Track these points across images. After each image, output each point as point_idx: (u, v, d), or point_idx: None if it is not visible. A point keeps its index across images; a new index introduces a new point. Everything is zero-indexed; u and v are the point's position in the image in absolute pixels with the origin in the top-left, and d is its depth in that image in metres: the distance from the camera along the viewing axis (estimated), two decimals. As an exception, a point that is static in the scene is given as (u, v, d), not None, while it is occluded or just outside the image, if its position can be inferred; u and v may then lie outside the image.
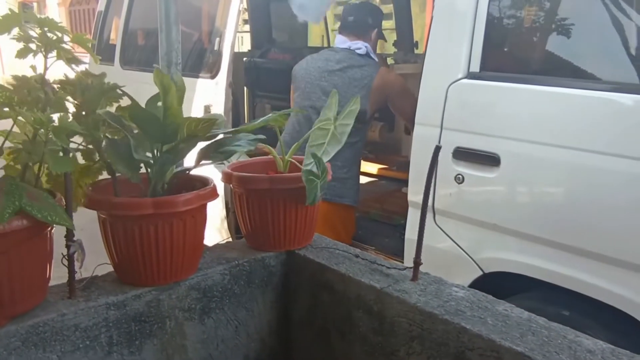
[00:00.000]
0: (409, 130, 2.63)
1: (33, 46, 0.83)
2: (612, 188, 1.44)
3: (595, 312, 1.52)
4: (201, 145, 1.03)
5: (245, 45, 5.65)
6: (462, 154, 1.73)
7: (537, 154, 1.57)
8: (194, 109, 2.79)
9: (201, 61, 3.04)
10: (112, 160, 0.90)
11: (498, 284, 1.71)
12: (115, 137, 0.97)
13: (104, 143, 0.93)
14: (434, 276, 1.02)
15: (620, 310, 1.46)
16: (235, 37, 2.72)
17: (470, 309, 0.90)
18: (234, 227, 2.71)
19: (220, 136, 1.02)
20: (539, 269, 1.61)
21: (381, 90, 2.31)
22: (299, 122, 2.35)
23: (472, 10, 1.73)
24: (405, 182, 2.83)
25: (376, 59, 2.43)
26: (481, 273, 1.74)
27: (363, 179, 3.11)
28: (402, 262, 2.02)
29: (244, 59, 3.83)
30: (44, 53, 0.84)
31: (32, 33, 0.83)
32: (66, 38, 0.84)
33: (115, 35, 3.83)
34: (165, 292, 0.98)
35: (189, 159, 1.07)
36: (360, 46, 2.35)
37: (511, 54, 1.84)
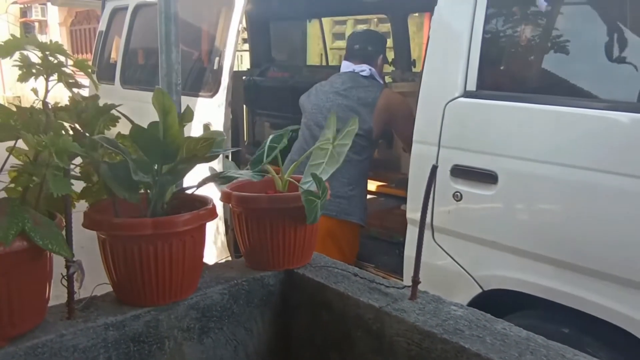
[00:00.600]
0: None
1: (35, 70, 0.84)
2: (609, 205, 1.45)
3: (595, 329, 1.52)
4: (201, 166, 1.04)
5: (244, 63, 5.70)
6: (460, 172, 1.74)
7: (535, 172, 1.58)
8: (194, 127, 2.81)
9: (201, 80, 3.07)
10: (111, 184, 0.91)
11: (498, 302, 1.70)
12: (114, 160, 0.97)
13: (103, 166, 0.94)
14: (432, 295, 1.02)
15: (620, 327, 1.45)
16: (234, 57, 2.75)
17: (468, 327, 0.90)
18: (233, 245, 2.71)
19: (221, 157, 1.03)
20: (538, 286, 1.61)
21: (385, 110, 2.35)
22: (307, 142, 2.39)
23: (468, 29, 1.75)
24: (404, 199, 2.84)
25: (381, 81, 2.49)
26: (480, 290, 1.74)
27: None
28: (402, 280, 2.02)
29: (244, 77, 3.87)
30: (45, 77, 0.85)
31: (33, 56, 0.85)
32: (68, 62, 0.85)
33: (115, 55, 3.87)
34: (164, 312, 0.98)
35: (189, 178, 1.08)
36: (365, 69, 2.42)
37: (507, 72, 1.86)
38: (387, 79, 3.54)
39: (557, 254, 1.56)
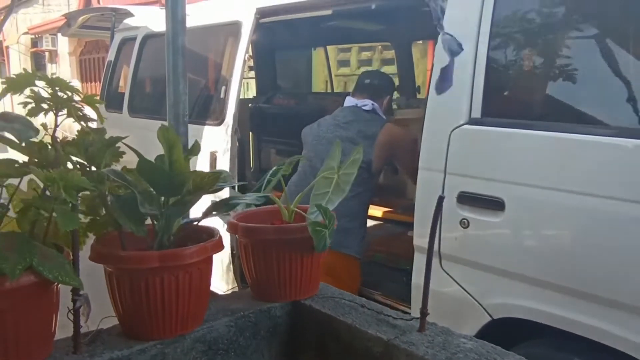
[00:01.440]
0: None
1: (45, 105, 0.86)
2: (618, 231, 1.44)
3: (607, 358, 1.49)
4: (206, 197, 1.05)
5: (251, 91, 5.76)
6: (467, 199, 1.74)
7: (542, 198, 1.57)
8: (201, 156, 2.82)
9: (208, 108, 3.10)
10: (118, 216, 0.91)
11: (508, 330, 1.68)
12: (120, 193, 0.98)
13: (109, 198, 0.94)
14: (441, 327, 1.01)
15: (632, 356, 1.43)
16: (241, 85, 2.79)
17: (478, 361, 0.88)
18: (240, 275, 2.69)
19: (227, 190, 1.04)
20: (548, 315, 1.59)
21: (388, 146, 2.35)
22: (305, 172, 2.39)
23: (472, 56, 1.76)
24: (411, 225, 2.82)
25: (383, 117, 2.49)
26: (490, 319, 1.72)
27: (369, 222, 3.11)
28: (409, 308, 2.00)
29: (250, 105, 3.91)
30: (54, 111, 0.86)
31: (43, 92, 0.86)
32: (76, 97, 0.87)
33: (124, 84, 3.93)
34: (171, 345, 0.98)
35: (195, 210, 1.09)
36: (367, 103, 2.43)
37: (512, 99, 1.87)
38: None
39: (566, 282, 1.54)
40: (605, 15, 1.66)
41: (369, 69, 6.17)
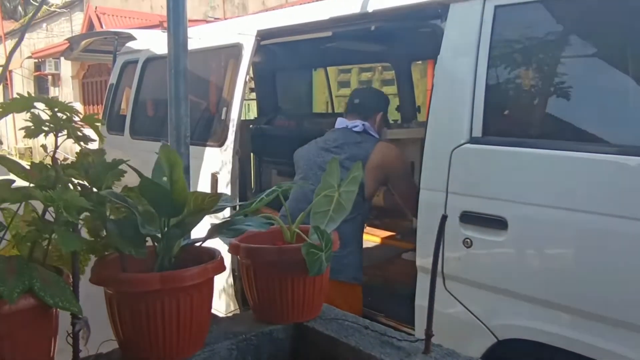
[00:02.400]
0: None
1: (45, 127, 0.86)
2: (623, 250, 1.42)
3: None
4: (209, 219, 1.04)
5: (252, 112, 5.79)
6: (469, 218, 1.73)
7: (545, 217, 1.56)
8: (202, 177, 2.83)
9: (209, 130, 3.11)
10: (117, 240, 0.90)
11: (514, 352, 1.65)
12: (119, 216, 0.98)
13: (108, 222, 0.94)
14: (446, 348, 0.99)
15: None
16: (242, 107, 2.79)
17: (485, 383, 0.86)
18: (241, 296, 2.67)
19: (228, 211, 1.03)
20: (555, 336, 1.56)
21: (379, 167, 2.29)
22: (298, 198, 2.35)
23: (472, 76, 1.77)
24: (410, 249, 2.80)
25: (376, 136, 2.44)
26: (495, 340, 1.69)
27: (365, 244, 3.08)
28: (413, 329, 1.97)
29: (251, 126, 3.92)
30: (54, 133, 0.86)
31: (43, 114, 0.86)
32: (76, 118, 0.87)
33: (125, 106, 3.95)
34: (171, 369, 0.96)
35: (196, 231, 1.08)
36: (358, 124, 2.38)
37: (513, 118, 1.87)
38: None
39: (571, 302, 1.52)
40: (603, 34, 1.67)
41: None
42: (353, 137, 2.37)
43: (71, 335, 0.89)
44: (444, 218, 0.92)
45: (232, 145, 2.72)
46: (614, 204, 1.44)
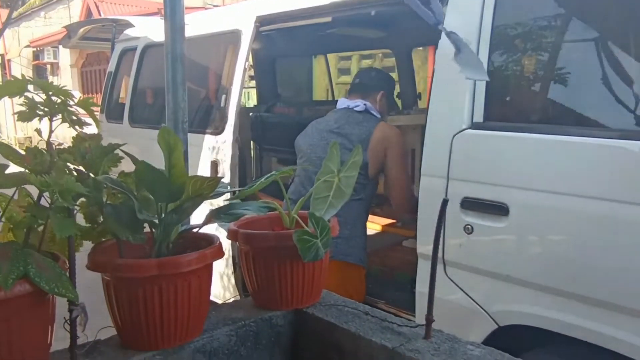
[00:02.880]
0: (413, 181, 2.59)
1: (39, 111, 0.84)
2: (625, 235, 1.41)
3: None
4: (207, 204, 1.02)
5: (252, 100, 5.76)
6: (470, 204, 1.72)
7: (546, 203, 1.55)
8: (201, 164, 2.81)
9: (208, 118, 3.09)
10: (114, 226, 0.89)
11: (515, 338, 1.65)
12: (118, 200, 0.96)
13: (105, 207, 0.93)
14: (447, 334, 0.98)
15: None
16: (241, 94, 2.78)
17: (486, 368, 0.86)
18: (241, 284, 2.67)
19: (227, 196, 1.02)
20: (556, 322, 1.56)
21: (381, 143, 2.27)
22: (302, 182, 2.35)
23: (473, 61, 1.75)
24: (410, 236, 2.79)
25: (378, 116, 2.42)
26: (496, 326, 1.69)
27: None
28: (414, 316, 1.97)
29: (250, 113, 3.90)
30: (49, 117, 0.85)
31: (38, 98, 0.85)
32: (71, 102, 0.85)
33: (124, 95, 3.93)
34: (170, 356, 0.95)
35: (194, 217, 1.07)
36: (359, 104, 2.36)
37: (514, 103, 1.85)
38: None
39: (573, 287, 1.52)
40: (605, 18, 1.64)
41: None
42: (354, 117, 2.34)
43: (68, 321, 0.88)
44: (445, 202, 0.91)
45: (231, 133, 2.70)
46: (616, 189, 1.43)
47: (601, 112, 1.61)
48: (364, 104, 2.36)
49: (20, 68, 15.57)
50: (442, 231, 1.79)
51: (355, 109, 2.36)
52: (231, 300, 2.66)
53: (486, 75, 1.49)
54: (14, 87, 0.79)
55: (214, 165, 2.75)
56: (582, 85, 1.66)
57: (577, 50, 1.71)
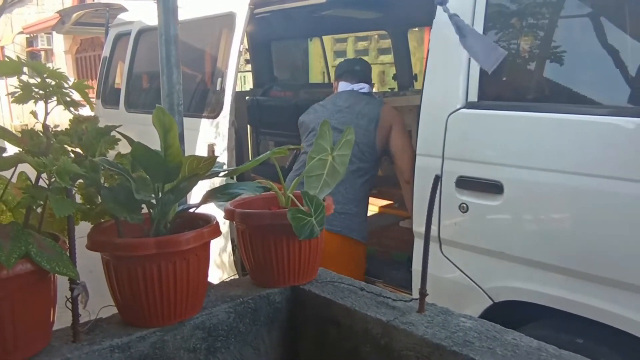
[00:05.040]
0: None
1: (34, 93, 0.85)
2: (617, 211, 1.43)
3: (610, 339, 1.49)
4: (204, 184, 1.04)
5: (247, 83, 5.74)
6: (465, 183, 1.73)
7: (540, 180, 1.57)
8: (198, 148, 2.82)
9: (204, 101, 3.09)
10: (111, 207, 0.90)
11: (510, 313, 1.68)
12: (115, 181, 0.98)
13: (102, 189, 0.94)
14: (440, 307, 1.01)
15: (636, 336, 1.42)
16: (236, 77, 2.77)
17: (478, 339, 0.88)
18: (240, 265, 2.69)
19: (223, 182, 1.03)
20: (549, 297, 1.59)
21: (388, 122, 2.36)
22: (306, 162, 2.37)
23: (468, 40, 1.75)
24: (407, 217, 2.81)
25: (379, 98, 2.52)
26: (491, 302, 1.72)
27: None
28: (411, 294, 2.00)
29: (247, 97, 3.89)
30: (44, 99, 0.85)
31: (33, 80, 0.86)
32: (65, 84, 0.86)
33: (120, 80, 3.91)
34: (170, 332, 0.97)
35: (196, 196, 1.08)
36: (363, 86, 2.47)
37: (508, 82, 1.86)
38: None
39: (566, 263, 1.54)
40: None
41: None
42: (361, 97, 2.44)
43: (70, 300, 0.90)
44: (437, 178, 0.92)
45: (227, 116, 2.70)
46: (609, 165, 1.44)
47: (595, 90, 1.62)
48: (368, 87, 2.49)
49: (14, 55, 15.44)
50: (437, 209, 1.81)
51: (360, 90, 2.46)
52: (229, 279, 2.69)
53: (499, 55, 1.47)
54: (9, 68, 0.80)
55: (211, 148, 2.76)
56: (576, 63, 1.66)
57: (572, 28, 1.72)
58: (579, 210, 1.52)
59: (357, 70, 2.55)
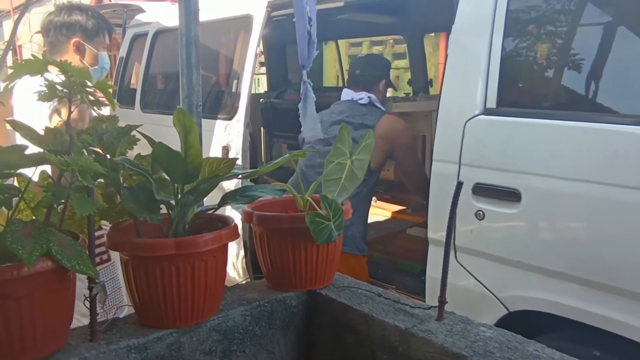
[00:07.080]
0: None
1: (58, 92, 0.85)
2: (637, 222, 1.41)
3: (628, 352, 1.46)
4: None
5: (262, 86, 5.76)
6: (482, 190, 1.72)
7: (558, 189, 1.55)
8: (213, 149, 2.83)
9: (219, 103, 3.10)
10: (131, 207, 0.90)
11: (525, 323, 1.66)
12: (134, 181, 0.98)
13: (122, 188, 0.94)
14: (460, 315, 0.99)
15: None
16: (252, 80, 2.78)
17: (499, 349, 0.87)
18: (252, 267, 2.69)
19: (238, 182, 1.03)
20: (566, 307, 1.57)
21: (384, 138, 2.27)
22: (304, 173, 2.34)
23: (487, 47, 1.74)
24: (415, 224, 2.80)
25: (382, 108, 2.44)
26: (506, 312, 1.70)
27: (376, 218, 3.08)
28: (423, 300, 1.98)
29: (261, 100, 3.90)
30: (68, 98, 0.86)
31: (55, 79, 0.86)
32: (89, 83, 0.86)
33: (136, 80, 3.94)
34: (187, 334, 0.97)
35: (209, 199, 1.08)
36: (363, 96, 2.38)
37: (527, 89, 1.84)
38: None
39: (584, 273, 1.52)
40: (620, 3, 1.63)
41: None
42: (358, 109, 2.36)
43: (88, 299, 0.90)
44: (460, 184, 0.91)
45: (242, 118, 2.71)
46: (629, 175, 1.42)
47: (615, 98, 1.60)
48: (368, 97, 2.38)
49: (32, 54, 15.61)
50: (456, 213, 1.80)
51: (359, 101, 2.38)
52: (243, 281, 2.69)
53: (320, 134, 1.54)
54: (34, 67, 0.80)
55: (225, 150, 2.76)
56: (596, 71, 1.64)
57: (592, 36, 1.70)
58: (598, 220, 1.50)
59: (357, 75, 2.47)
